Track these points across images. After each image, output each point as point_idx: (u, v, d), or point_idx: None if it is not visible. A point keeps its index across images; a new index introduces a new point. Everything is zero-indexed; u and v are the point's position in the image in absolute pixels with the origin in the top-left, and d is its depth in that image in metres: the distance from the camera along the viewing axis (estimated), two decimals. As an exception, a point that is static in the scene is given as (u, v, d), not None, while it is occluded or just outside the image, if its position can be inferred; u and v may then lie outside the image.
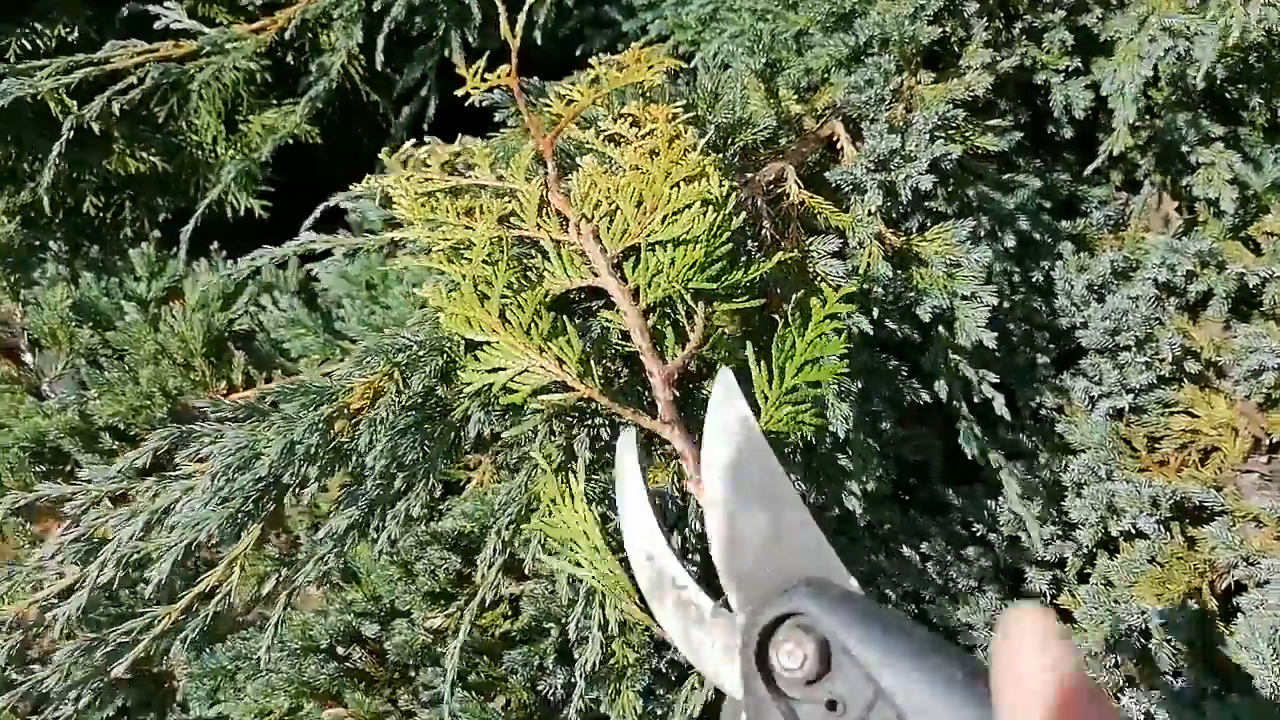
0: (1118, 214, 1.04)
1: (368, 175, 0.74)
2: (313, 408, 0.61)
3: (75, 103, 1.03)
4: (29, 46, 1.08)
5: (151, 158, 1.17)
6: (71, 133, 1.00)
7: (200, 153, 1.20)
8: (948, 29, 0.91)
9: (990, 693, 0.32)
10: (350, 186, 0.84)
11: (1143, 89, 0.94)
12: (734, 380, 0.43)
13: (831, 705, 0.36)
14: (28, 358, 1.07)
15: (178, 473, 0.65)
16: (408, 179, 0.70)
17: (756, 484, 0.41)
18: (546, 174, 0.67)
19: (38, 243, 1.14)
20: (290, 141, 1.18)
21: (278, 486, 0.62)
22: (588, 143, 0.70)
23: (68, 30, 1.09)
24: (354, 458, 0.63)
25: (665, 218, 0.58)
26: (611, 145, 0.70)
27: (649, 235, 0.58)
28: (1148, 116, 1.02)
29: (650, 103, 0.73)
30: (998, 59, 0.89)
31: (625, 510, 0.44)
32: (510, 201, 0.67)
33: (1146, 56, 0.92)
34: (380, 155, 1.12)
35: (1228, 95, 1.02)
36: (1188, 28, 0.89)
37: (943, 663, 0.35)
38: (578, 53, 1.22)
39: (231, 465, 0.60)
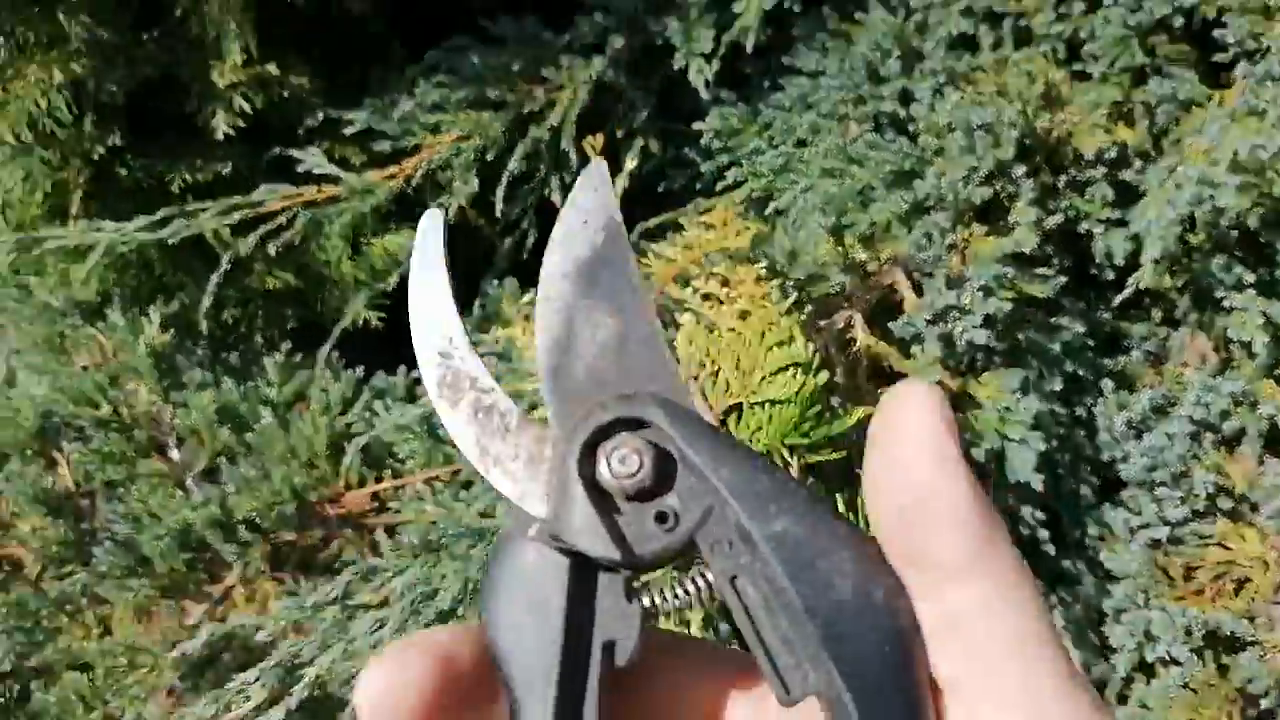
0: (1158, 349, 1.13)
1: (495, 328, 0.87)
2: (479, 546, 0.73)
3: (230, 234, 1.20)
4: (190, 181, 1.25)
5: (285, 276, 1.32)
6: (229, 264, 1.16)
7: (326, 270, 1.36)
8: (998, 188, 1.03)
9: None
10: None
11: (1178, 233, 1.05)
12: (607, 173, 0.36)
13: (661, 518, 0.32)
14: (174, 454, 1.22)
15: (359, 602, 0.77)
16: (526, 332, 0.83)
17: (608, 289, 0.35)
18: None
19: (186, 348, 1.30)
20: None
21: (454, 617, 0.73)
22: (686, 301, 0.83)
23: (222, 167, 1.26)
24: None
25: (763, 379, 0.70)
26: (705, 303, 0.82)
27: (750, 395, 0.70)
28: (1185, 259, 1.12)
29: (738, 263, 0.85)
30: (1044, 217, 1.00)
31: (420, 297, 0.37)
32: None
33: (1174, 202, 1.02)
34: (489, 290, 1.26)
35: (1262, 240, 1.12)
36: (1211, 180, 1.00)
37: (798, 486, 0.32)
38: (659, 189, 1.36)
39: (416, 599, 0.72)
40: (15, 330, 1.34)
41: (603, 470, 0.32)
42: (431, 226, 0.38)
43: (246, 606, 1.11)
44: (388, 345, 1.45)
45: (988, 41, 1.15)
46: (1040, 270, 1.00)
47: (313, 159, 1.20)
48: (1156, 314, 1.16)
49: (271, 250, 1.17)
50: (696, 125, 1.26)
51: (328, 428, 1.22)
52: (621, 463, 0.32)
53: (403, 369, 1.38)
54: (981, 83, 1.11)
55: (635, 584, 0.32)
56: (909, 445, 0.30)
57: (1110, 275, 1.12)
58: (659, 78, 1.27)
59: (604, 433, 0.33)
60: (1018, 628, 0.29)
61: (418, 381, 1.40)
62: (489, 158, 1.20)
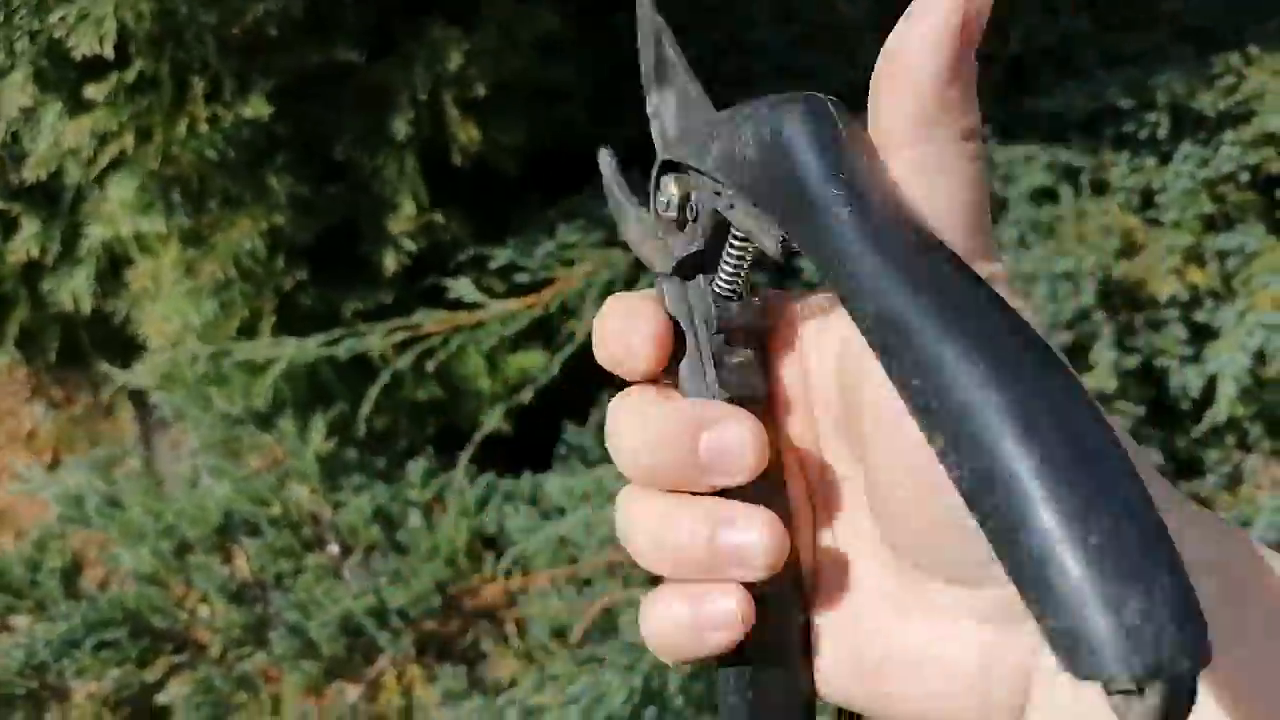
0: (1233, 473, 1.21)
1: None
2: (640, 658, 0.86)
3: (391, 351, 1.37)
4: (359, 308, 1.44)
5: (431, 388, 1.49)
6: (387, 378, 1.34)
7: (465, 384, 1.52)
8: (1079, 331, 1.14)
9: None
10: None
11: (1248, 368, 1.15)
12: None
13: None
14: (333, 548, 1.38)
15: (533, 703, 0.90)
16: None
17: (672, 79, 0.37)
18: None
19: (343, 453, 1.47)
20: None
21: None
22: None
23: (385, 296, 1.45)
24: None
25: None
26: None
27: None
28: (1256, 389, 1.21)
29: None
30: (1122, 357, 1.11)
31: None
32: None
33: (1246, 345, 1.13)
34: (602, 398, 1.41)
35: (1333, 375, 1.21)
36: (1278, 326, 1.10)
37: None
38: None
39: (586, 703, 0.84)
40: (196, 435, 1.53)
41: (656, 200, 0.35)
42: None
43: (395, 688, 1.24)
44: (515, 452, 1.61)
45: (1067, 194, 1.28)
46: (1120, 405, 1.11)
47: (464, 288, 1.38)
48: (1231, 440, 1.25)
49: (429, 367, 1.34)
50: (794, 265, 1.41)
51: (465, 528, 1.36)
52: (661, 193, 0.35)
53: (528, 474, 1.53)
54: (1062, 232, 1.24)
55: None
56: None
57: (1186, 406, 1.21)
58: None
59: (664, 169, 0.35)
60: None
61: (539, 486, 1.55)
62: (615, 289, 1.37)
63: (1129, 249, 1.23)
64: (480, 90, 1.32)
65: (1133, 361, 1.12)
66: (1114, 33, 1.39)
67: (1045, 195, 1.30)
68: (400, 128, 1.32)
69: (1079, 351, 1.14)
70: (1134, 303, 1.18)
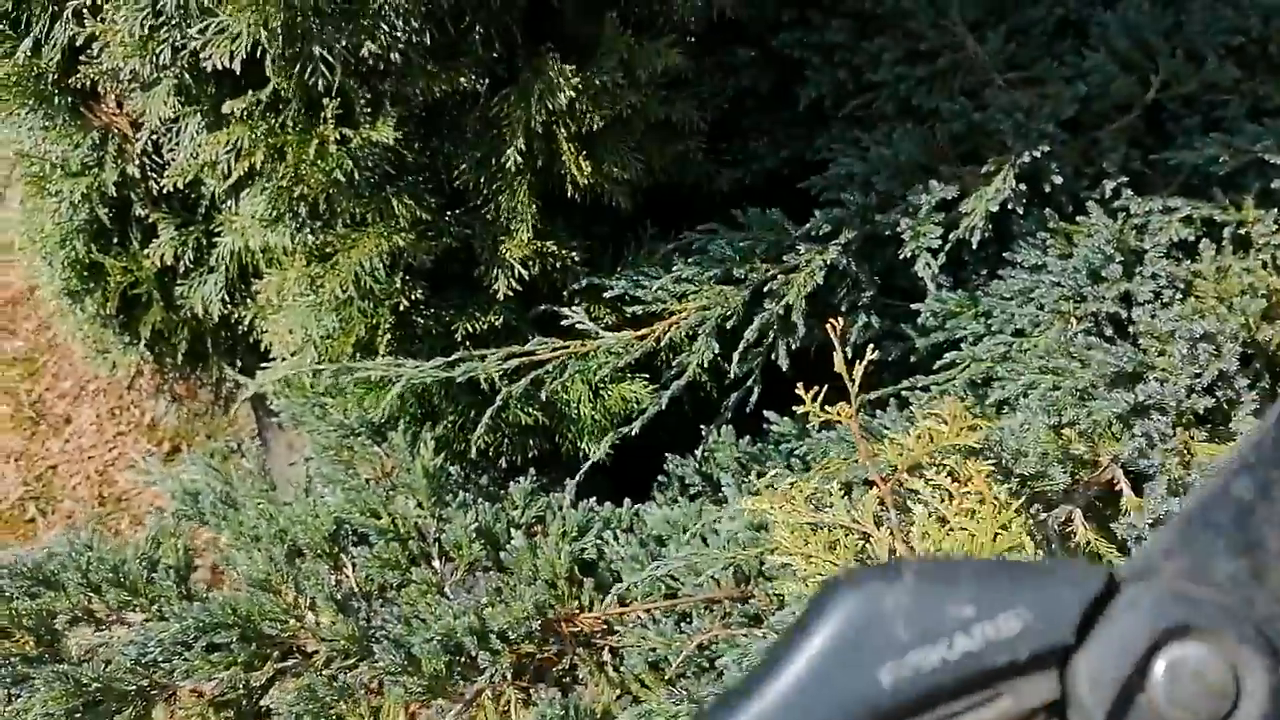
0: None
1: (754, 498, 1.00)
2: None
3: (502, 377, 1.39)
4: (471, 330, 1.47)
5: (535, 413, 1.51)
6: (500, 401, 1.36)
7: (567, 409, 1.54)
8: (1220, 396, 1.09)
9: None
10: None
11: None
12: None
13: None
14: (436, 564, 1.40)
15: None
16: (780, 507, 0.96)
17: None
18: (890, 522, 0.90)
19: (447, 471, 1.49)
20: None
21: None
22: (919, 493, 0.93)
23: (497, 319, 1.47)
24: None
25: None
26: (936, 495, 0.92)
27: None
28: None
29: (967, 457, 0.96)
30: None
31: None
32: (863, 540, 0.91)
33: None
34: (709, 438, 1.40)
35: None
36: None
37: None
38: (874, 357, 1.47)
39: None
40: (311, 441, 1.58)
41: (1162, 666, 0.29)
42: None
43: (493, 710, 1.26)
44: (614, 479, 1.62)
45: (1208, 249, 1.23)
46: (1258, 477, 1.05)
47: (576, 317, 1.40)
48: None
49: (543, 395, 1.36)
50: (916, 305, 1.38)
51: (566, 553, 1.37)
52: (1179, 683, 0.29)
53: (627, 501, 1.54)
54: (1201, 290, 1.19)
55: None
56: None
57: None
58: (883, 261, 1.41)
59: (1186, 633, 0.29)
60: None
61: (637, 514, 1.55)
62: (729, 325, 1.36)
63: (1273, 311, 1.18)
64: (595, 124, 1.33)
65: None
66: (1262, 82, 1.33)
67: (1184, 249, 1.24)
68: (513, 158, 1.34)
69: (1219, 418, 1.09)
70: (1277, 370, 1.13)
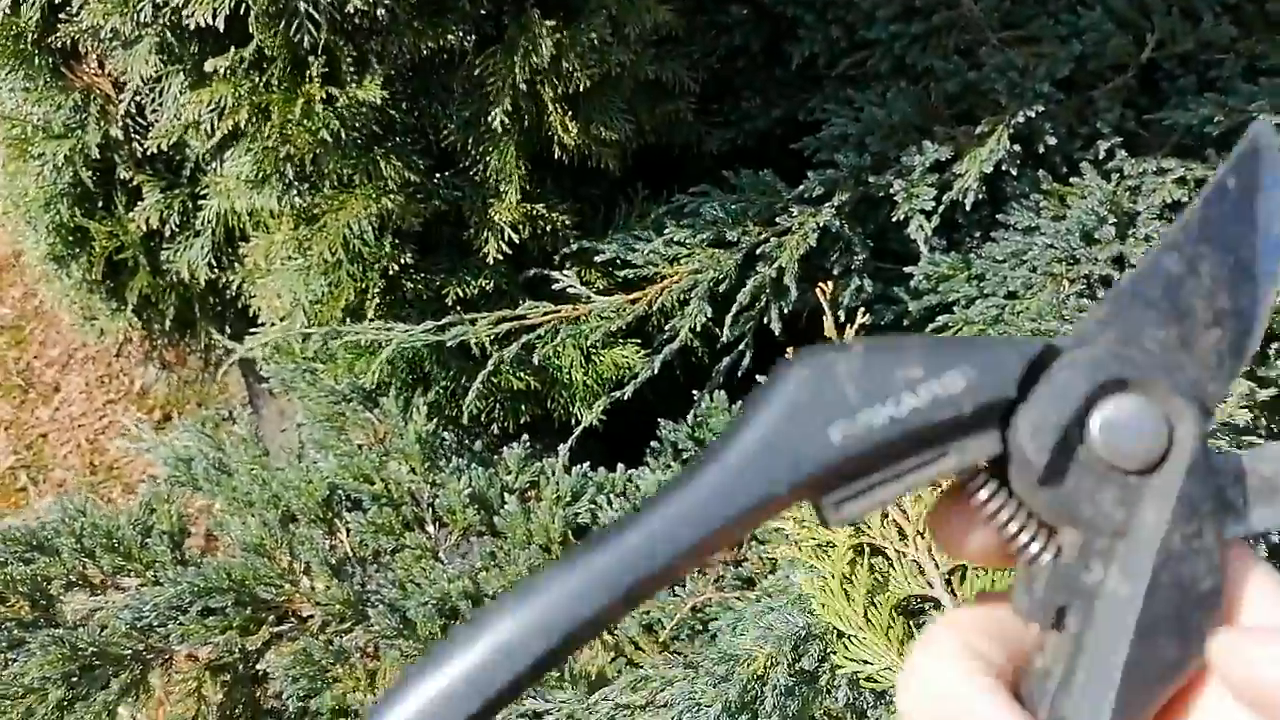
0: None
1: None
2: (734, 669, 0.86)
3: (492, 342, 1.39)
4: (461, 294, 1.46)
5: (527, 378, 1.51)
6: (491, 365, 1.35)
7: (559, 374, 1.53)
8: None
9: None
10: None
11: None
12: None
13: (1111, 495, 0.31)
14: (430, 529, 1.41)
15: (625, 701, 0.91)
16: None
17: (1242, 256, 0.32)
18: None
19: (439, 435, 1.49)
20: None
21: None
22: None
23: (488, 283, 1.46)
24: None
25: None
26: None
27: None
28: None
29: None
30: (1256, 390, 1.06)
31: None
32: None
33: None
34: (702, 402, 1.39)
35: None
36: None
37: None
38: (866, 321, 1.47)
39: (680, 711, 0.85)
40: (303, 408, 1.57)
41: (1099, 416, 0.31)
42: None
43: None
44: (607, 444, 1.62)
45: (1200, 210, 1.22)
46: (1249, 438, 1.06)
47: (568, 280, 1.39)
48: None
49: (535, 359, 1.35)
50: (908, 269, 1.37)
51: (559, 518, 1.38)
52: (1116, 432, 0.30)
53: (620, 466, 1.54)
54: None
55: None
56: None
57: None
58: (876, 223, 1.40)
59: (1120, 387, 0.31)
60: None
61: (630, 480, 1.56)
62: (721, 289, 1.36)
63: (1265, 272, 1.18)
64: (583, 84, 1.31)
65: (1267, 394, 1.07)
66: (1258, 41, 1.32)
67: (1177, 211, 1.24)
68: (499, 118, 1.32)
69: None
70: (1271, 332, 1.13)
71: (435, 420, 1.49)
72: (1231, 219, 0.33)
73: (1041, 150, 1.30)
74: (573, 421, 1.54)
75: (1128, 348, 0.32)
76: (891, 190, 1.32)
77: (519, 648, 0.29)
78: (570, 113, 1.33)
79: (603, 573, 0.29)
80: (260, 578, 1.26)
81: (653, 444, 1.58)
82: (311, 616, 1.27)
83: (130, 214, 1.59)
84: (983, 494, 0.31)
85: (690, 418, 1.52)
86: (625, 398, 1.43)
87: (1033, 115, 1.27)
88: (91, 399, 2.84)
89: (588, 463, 1.51)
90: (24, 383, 2.86)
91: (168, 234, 1.62)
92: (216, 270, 1.61)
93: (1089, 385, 0.31)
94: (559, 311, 1.36)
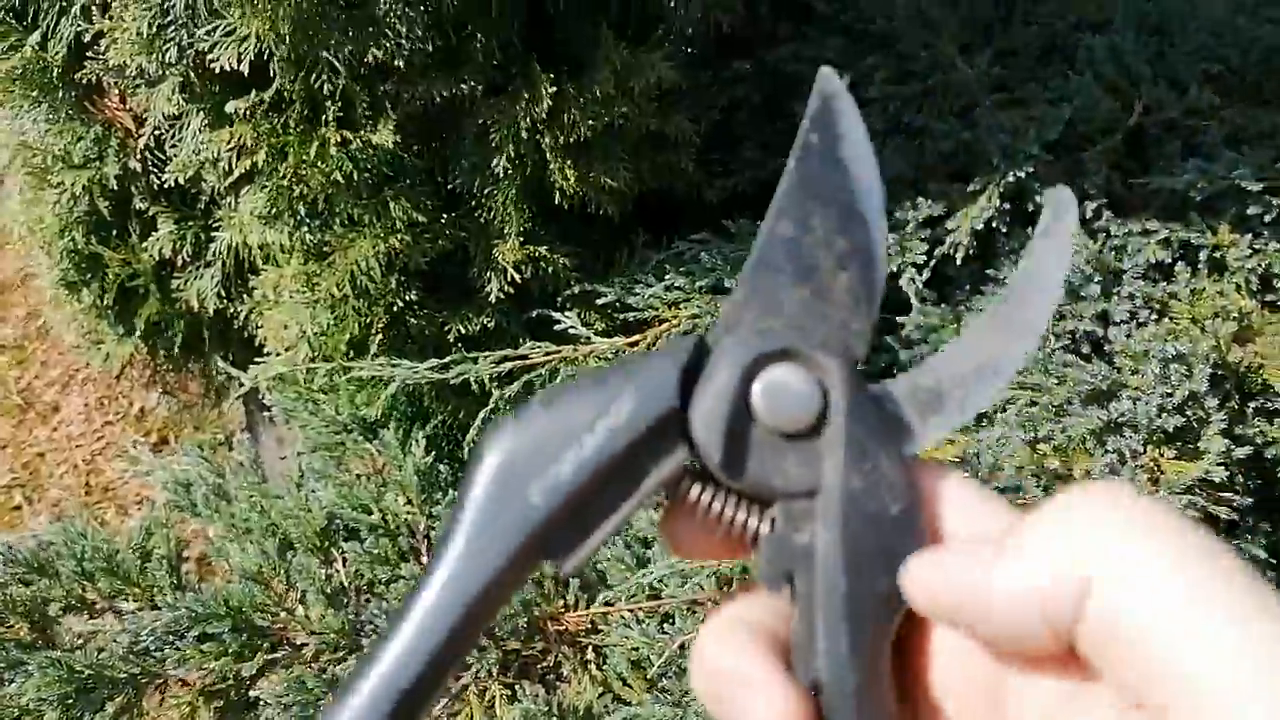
0: (1343, 575, 1.18)
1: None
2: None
3: (493, 380, 1.42)
4: (463, 331, 1.50)
5: (526, 414, 1.54)
6: (495, 404, 1.38)
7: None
8: (1190, 415, 1.13)
9: None
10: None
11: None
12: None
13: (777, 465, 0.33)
14: (425, 561, 1.43)
15: None
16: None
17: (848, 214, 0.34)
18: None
19: (436, 468, 1.52)
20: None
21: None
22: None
23: (490, 322, 1.50)
24: None
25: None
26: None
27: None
28: (1374, 491, 1.18)
29: (947, 469, 0.99)
30: (1233, 447, 1.10)
31: None
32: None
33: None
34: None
35: None
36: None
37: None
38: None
39: None
40: (303, 436, 1.60)
41: (757, 394, 0.32)
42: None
43: (478, 705, 1.28)
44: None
45: (1183, 271, 1.27)
46: (1226, 495, 1.09)
47: (569, 321, 1.42)
48: (1342, 541, 1.22)
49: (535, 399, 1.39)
50: (900, 319, 1.41)
51: (554, 553, 1.40)
52: (775, 401, 0.32)
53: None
54: (1176, 311, 1.23)
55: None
56: None
57: (1295, 499, 1.19)
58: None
59: (771, 359, 0.33)
60: None
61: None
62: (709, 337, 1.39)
63: (1244, 334, 1.21)
64: (584, 134, 1.36)
65: (1243, 451, 1.11)
66: (1241, 110, 1.37)
67: (1160, 271, 1.28)
68: (501, 164, 1.37)
69: (1188, 437, 1.13)
70: (1247, 391, 1.16)
71: (433, 454, 1.52)
72: (824, 171, 0.34)
73: (1031, 209, 1.34)
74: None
75: (770, 319, 0.33)
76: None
77: None
78: (570, 161, 1.38)
79: (361, 708, 0.30)
80: (257, 605, 1.28)
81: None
82: (306, 644, 1.29)
83: (144, 243, 1.62)
84: (693, 494, 0.33)
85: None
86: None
87: (1023, 175, 1.31)
88: (90, 420, 2.86)
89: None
90: (24, 402, 2.89)
91: (179, 263, 1.66)
92: (225, 300, 1.65)
93: (738, 370, 0.32)
94: (560, 351, 1.40)
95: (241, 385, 1.79)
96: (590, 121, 1.33)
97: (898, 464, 0.32)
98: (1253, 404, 1.19)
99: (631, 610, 1.41)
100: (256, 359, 1.67)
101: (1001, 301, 0.35)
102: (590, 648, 1.37)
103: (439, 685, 0.31)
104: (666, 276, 1.38)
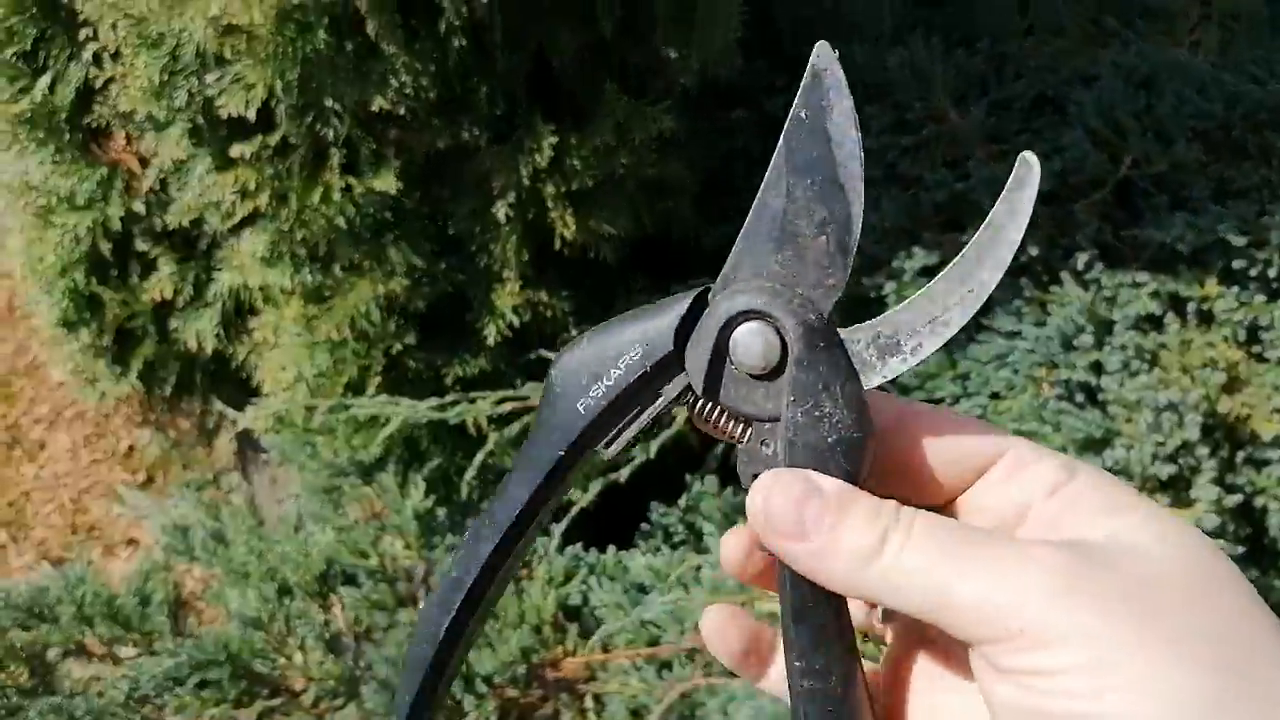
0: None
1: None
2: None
3: (489, 422, 1.43)
4: (461, 375, 1.50)
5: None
6: (493, 446, 1.39)
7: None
8: (1181, 464, 1.15)
9: None
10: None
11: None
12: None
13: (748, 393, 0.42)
14: (422, 605, 1.42)
15: None
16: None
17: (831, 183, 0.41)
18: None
19: (434, 513, 1.52)
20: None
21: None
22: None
23: (487, 364, 1.51)
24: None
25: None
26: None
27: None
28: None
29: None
30: (1224, 495, 1.12)
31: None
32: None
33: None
34: (695, 486, 1.43)
35: None
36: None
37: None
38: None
39: None
40: (301, 480, 1.60)
41: (732, 344, 0.41)
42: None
43: (476, 753, 1.28)
44: (598, 525, 1.64)
45: (1173, 323, 1.29)
46: (1218, 542, 1.11)
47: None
48: (1331, 586, 1.24)
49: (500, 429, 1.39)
50: (897, 365, 1.43)
51: (552, 598, 1.40)
52: (744, 349, 0.41)
53: (611, 549, 1.56)
54: (1166, 361, 1.25)
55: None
56: None
57: (1284, 546, 1.21)
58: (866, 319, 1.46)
59: (744, 318, 0.41)
60: None
61: (620, 562, 1.58)
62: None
63: (1233, 384, 1.24)
64: (586, 182, 1.38)
65: (1233, 500, 1.13)
66: (1226, 165, 1.41)
67: (1150, 322, 1.31)
68: (501, 211, 1.39)
69: (1180, 485, 1.15)
70: (1236, 440, 1.19)
71: (431, 497, 1.52)
72: (811, 144, 0.41)
73: (1024, 259, 1.37)
74: (567, 503, 1.58)
75: (757, 278, 0.42)
76: (883, 291, 1.38)
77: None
78: (571, 209, 1.40)
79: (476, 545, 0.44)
80: (255, 651, 1.27)
81: (644, 526, 1.61)
82: (304, 691, 1.28)
83: (144, 284, 1.63)
84: (697, 409, 0.43)
85: (682, 501, 1.56)
86: (621, 480, 1.47)
87: (1016, 227, 1.34)
88: (77, 458, 2.83)
89: (580, 543, 1.54)
90: (10, 439, 2.86)
91: (179, 304, 1.66)
92: (224, 342, 1.65)
93: (719, 323, 0.41)
94: (560, 396, 1.41)
95: (235, 425, 1.79)
96: (591, 171, 1.36)
97: (841, 403, 0.40)
98: (1241, 453, 1.21)
99: (629, 657, 1.41)
100: (252, 400, 1.67)
101: (958, 262, 0.42)
102: (589, 695, 1.36)
103: (528, 533, 0.44)
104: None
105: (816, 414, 0.40)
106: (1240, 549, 1.14)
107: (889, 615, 0.48)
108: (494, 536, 0.43)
